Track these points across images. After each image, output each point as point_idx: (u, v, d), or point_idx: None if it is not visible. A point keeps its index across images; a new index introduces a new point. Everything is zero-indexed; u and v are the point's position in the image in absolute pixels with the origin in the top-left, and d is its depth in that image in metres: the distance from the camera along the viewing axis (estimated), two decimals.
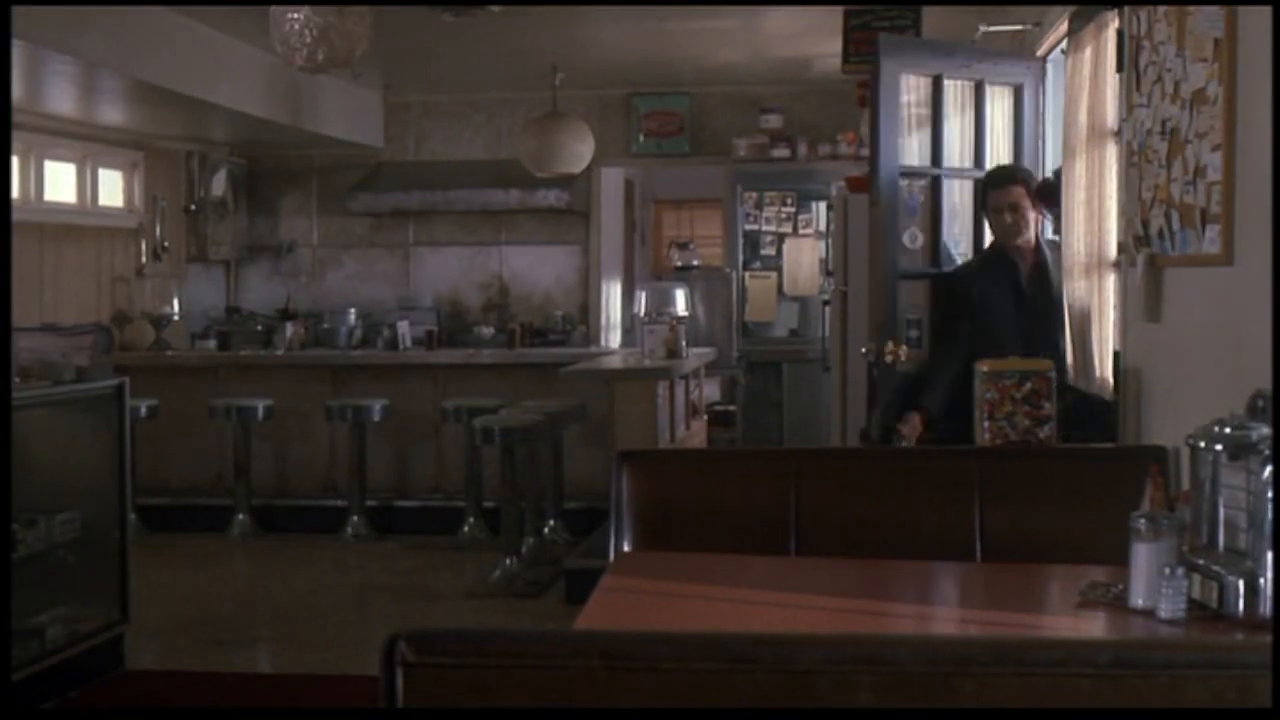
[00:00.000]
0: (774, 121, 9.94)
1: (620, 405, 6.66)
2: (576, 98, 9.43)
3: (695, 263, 9.90)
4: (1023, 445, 3.61)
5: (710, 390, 8.80)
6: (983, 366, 3.63)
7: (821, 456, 3.67)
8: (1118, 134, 4.11)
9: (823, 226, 10.08)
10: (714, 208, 10.02)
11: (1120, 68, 4.00)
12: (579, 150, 8.63)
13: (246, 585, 7.77)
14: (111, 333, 6.25)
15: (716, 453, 4.13)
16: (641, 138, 10.12)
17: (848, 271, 6.77)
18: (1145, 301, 3.71)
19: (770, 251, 10.09)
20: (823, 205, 10.06)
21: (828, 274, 7.06)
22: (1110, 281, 4.18)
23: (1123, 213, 3.99)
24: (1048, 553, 3.24)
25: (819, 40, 8.11)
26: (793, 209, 10.13)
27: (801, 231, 10.11)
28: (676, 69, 9.47)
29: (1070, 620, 2.53)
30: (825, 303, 7.03)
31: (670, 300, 7.81)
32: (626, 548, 3.39)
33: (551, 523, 8.08)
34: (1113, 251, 4.17)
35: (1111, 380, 4.03)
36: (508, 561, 7.10)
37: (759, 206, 10.14)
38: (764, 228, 10.16)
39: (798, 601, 2.87)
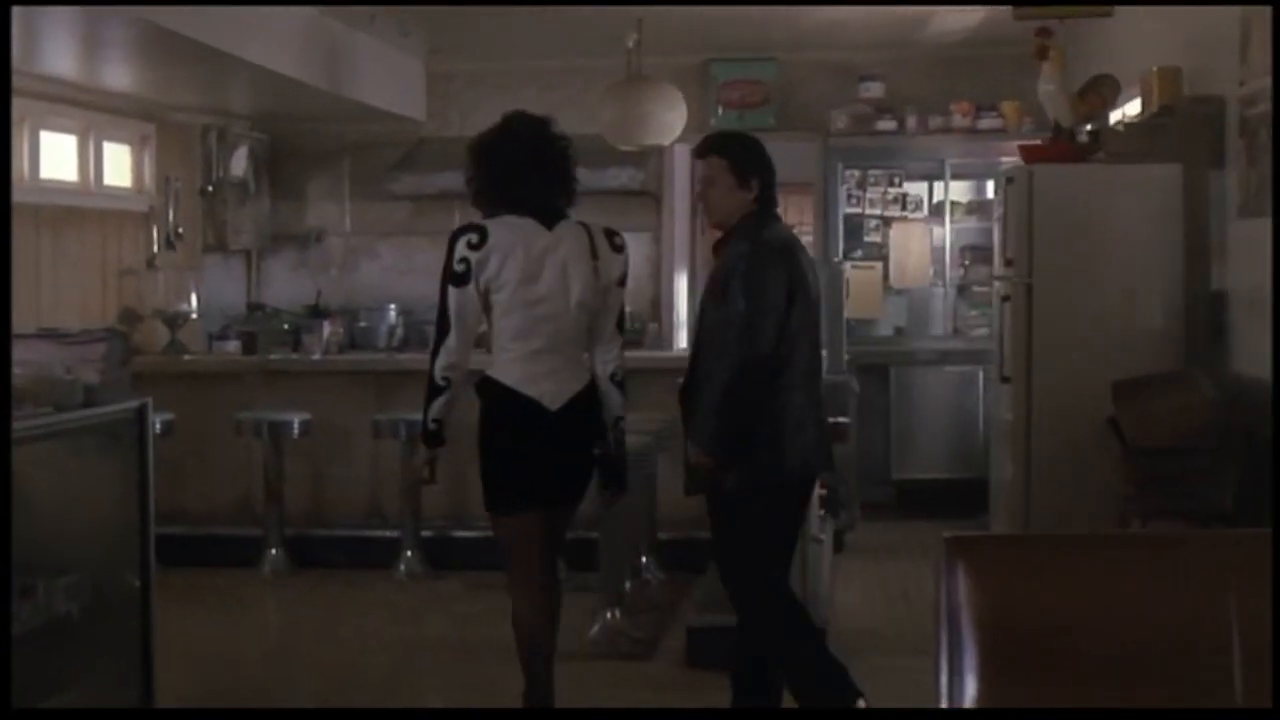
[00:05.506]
0: (874, 90, 8.98)
1: None
2: (645, 64, 8.32)
3: None
4: None
5: None
6: None
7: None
8: None
9: (924, 211, 8.98)
10: (802, 191, 8.90)
11: None
12: (669, 120, 7.55)
13: (281, 639, 6.64)
14: (127, 340, 5.06)
15: (1107, 537, 2.93)
16: (720, 110, 9.21)
17: (1032, 260, 5.62)
18: None
19: (875, 238, 8.92)
20: (924, 185, 9.03)
21: (1007, 263, 5.85)
22: None
23: None
24: None
25: None
26: (901, 189, 8.98)
27: (911, 215, 8.95)
28: (763, 31, 8.55)
29: None
30: (1005, 298, 5.83)
31: None
32: (970, 688, 2.16)
33: (644, 559, 6.86)
34: None
35: None
36: (609, 615, 5.84)
37: (861, 187, 8.96)
38: (867, 210, 8.99)
39: None
